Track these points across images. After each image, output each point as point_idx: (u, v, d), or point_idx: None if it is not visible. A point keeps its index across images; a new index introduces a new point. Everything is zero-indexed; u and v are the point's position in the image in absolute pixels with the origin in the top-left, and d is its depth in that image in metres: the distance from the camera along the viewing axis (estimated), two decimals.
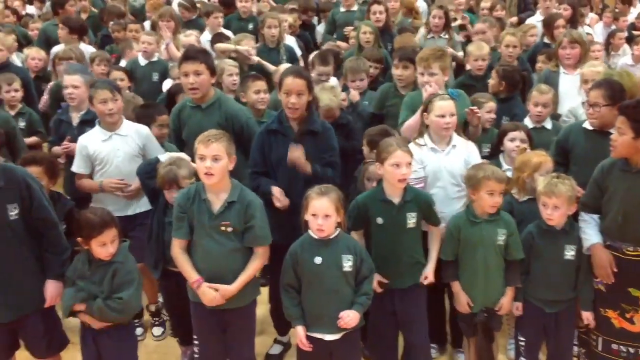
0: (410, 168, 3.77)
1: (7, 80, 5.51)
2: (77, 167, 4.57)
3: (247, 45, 6.41)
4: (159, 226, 4.04)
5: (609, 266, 3.77)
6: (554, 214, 3.76)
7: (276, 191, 4.00)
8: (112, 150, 4.49)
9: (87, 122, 4.86)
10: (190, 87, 4.40)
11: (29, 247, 3.58)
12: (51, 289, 3.63)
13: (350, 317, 3.53)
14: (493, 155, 4.71)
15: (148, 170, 4.12)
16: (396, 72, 5.21)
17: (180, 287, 3.77)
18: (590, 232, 3.83)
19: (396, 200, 3.81)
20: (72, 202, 4.41)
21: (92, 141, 4.53)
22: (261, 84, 5.08)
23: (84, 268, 3.57)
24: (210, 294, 3.55)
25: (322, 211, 3.48)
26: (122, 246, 3.60)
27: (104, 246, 3.50)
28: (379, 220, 3.81)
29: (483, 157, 4.48)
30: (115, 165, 4.50)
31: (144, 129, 4.62)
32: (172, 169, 3.98)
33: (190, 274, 3.59)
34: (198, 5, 8.24)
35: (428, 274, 3.89)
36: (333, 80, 5.61)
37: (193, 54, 4.53)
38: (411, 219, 3.81)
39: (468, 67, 5.94)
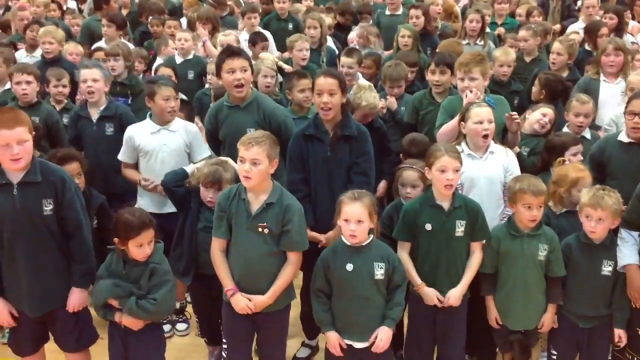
0: (457, 174, 3.73)
1: (56, 76, 5.54)
2: (122, 155, 4.67)
3: (302, 46, 6.34)
4: (192, 231, 4.05)
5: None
6: (597, 226, 3.68)
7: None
8: (159, 144, 4.57)
9: (107, 118, 4.93)
10: (237, 84, 4.40)
11: (60, 244, 3.60)
12: (74, 296, 3.64)
13: (383, 341, 3.52)
14: (543, 168, 4.52)
15: (175, 180, 4.16)
16: (432, 77, 5.16)
17: (212, 290, 3.78)
18: (626, 252, 3.74)
19: (446, 205, 3.76)
20: (103, 197, 4.48)
21: (140, 133, 4.61)
22: (306, 83, 5.08)
23: (118, 267, 3.59)
24: (243, 302, 3.55)
25: (355, 216, 3.46)
26: (157, 247, 3.62)
27: (141, 247, 3.52)
28: (428, 227, 3.76)
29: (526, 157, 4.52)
30: (161, 159, 4.56)
31: (192, 126, 4.71)
32: (219, 169, 4.01)
33: (226, 281, 3.60)
34: (230, 2, 8.27)
35: (451, 295, 3.75)
36: (364, 81, 5.60)
37: (237, 50, 4.57)
38: (460, 227, 3.75)
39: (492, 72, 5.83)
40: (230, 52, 4.53)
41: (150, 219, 3.60)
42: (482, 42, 6.74)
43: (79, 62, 6.75)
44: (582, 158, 4.40)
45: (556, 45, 6.21)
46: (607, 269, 3.76)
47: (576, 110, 4.87)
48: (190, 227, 4.07)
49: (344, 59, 5.67)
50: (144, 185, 4.57)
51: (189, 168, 4.24)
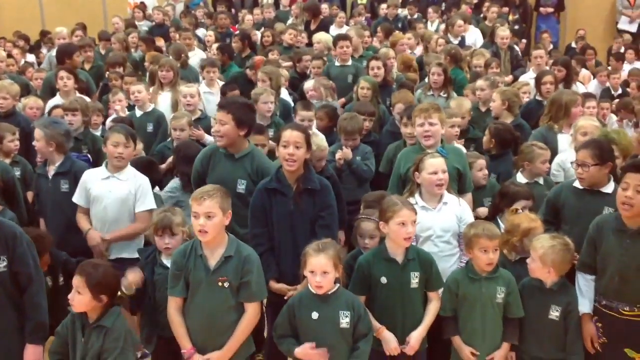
0: (415, 226, 3.79)
1: (11, 130, 5.52)
2: (76, 197, 4.73)
3: (267, 99, 6.18)
4: (151, 287, 4.01)
5: (590, 339, 3.83)
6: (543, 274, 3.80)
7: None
8: (106, 191, 4.62)
9: (61, 174, 4.92)
10: (214, 134, 4.52)
11: (15, 302, 3.54)
12: (28, 353, 3.58)
13: None
14: (493, 216, 4.65)
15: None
16: (405, 130, 5.34)
17: (176, 353, 3.72)
18: (582, 301, 3.86)
19: (400, 258, 3.81)
20: (64, 253, 4.51)
21: (92, 177, 4.70)
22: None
23: (79, 336, 3.51)
24: None
25: (320, 268, 3.49)
26: (111, 311, 3.53)
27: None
28: (383, 280, 3.79)
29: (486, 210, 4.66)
30: (104, 206, 4.62)
31: (142, 177, 4.75)
32: (167, 214, 4.03)
33: (183, 342, 3.58)
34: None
35: (412, 337, 3.79)
36: (318, 134, 5.66)
37: (223, 103, 4.71)
38: (414, 279, 3.80)
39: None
40: (218, 105, 4.73)
41: (87, 272, 3.48)
42: (445, 94, 6.89)
43: (38, 117, 6.74)
44: (522, 209, 4.45)
45: (479, 83, 6.58)
46: (554, 313, 3.83)
47: (544, 158, 5.00)
48: (147, 279, 4.04)
49: (302, 113, 5.74)
50: (88, 241, 4.61)
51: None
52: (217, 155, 4.59)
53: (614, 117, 7.28)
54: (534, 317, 3.86)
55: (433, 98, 6.77)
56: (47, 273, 4.23)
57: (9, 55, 9.03)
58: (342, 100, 7.31)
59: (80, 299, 3.47)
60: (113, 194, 4.63)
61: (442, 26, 10.93)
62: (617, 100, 7.85)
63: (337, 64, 7.89)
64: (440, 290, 3.92)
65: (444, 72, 6.90)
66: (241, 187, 4.41)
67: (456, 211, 4.21)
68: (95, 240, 4.62)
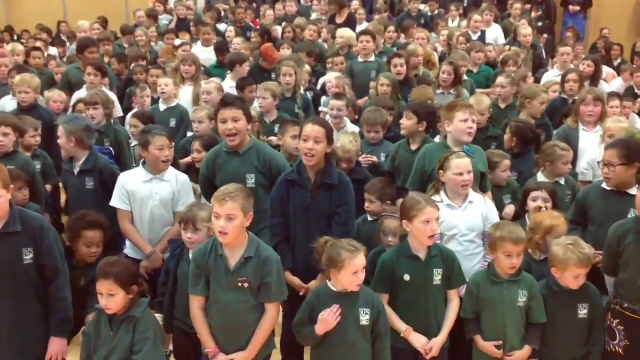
0: (438, 223, 3.77)
1: (34, 125, 5.57)
2: (115, 200, 4.62)
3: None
4: (172, 280, 4.04)
5: None
6: (577, 281, 3.76)
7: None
8: (150, 192, 4.57)
9: (86, 172, 4.89)
10: (228, 133, 4.44)
11: (40, 294, 3.57)
12: (52, 346, 3.61)
13: None
14: (520, 215, 4.66)
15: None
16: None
17: (196, 344, 3.74)
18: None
19: (422, 255, 3.79)
20: None
21: (132, 180, 4.62)
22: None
23: (106, 328, 3.49)
24: None
25: (362, 266, 3.49)
26: (140, 301, 3.53)
27: (101, 296, 3.45)
28: (406, 277, 3.77)
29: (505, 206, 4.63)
30: (151, 207, 4.56)
31: (183, 176, 4.72)
32: (193, 209, 4.03)
33: (207, 341, 3.57)
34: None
35: (434, 345, 3.76)
36: (352, 127, 5.69)
37: (230, 100, 4.60)
38: (437, 275, 3.78)
39: None
40: (224, 102, 4.60)
41: (112, 272, 3.45)
42: (455, 92, 6.83)
43: (61, 110, 6.80)
44: (543, 204, 4.41)
45: (499, 80, 6.62)
46: (582, 311, 3.81)
47: (566, 159, 4.93)
48: (167, 273, 4.08)
49: (333, 102, 5.76)
50: (152, 263, 4.54)
51: None
52: (221, 155, 4.57)
53: (637, 117, 7.18)
54: (565, 320, 3.82)
55: (443, 96, 6.73)
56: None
57: (35, 48, 9.06)
58: (366, 98, 7.29)
59: (116, 301, 3.42)
60: (159, 195, 4.57)
61: (464, 22, 10.84)
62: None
63: (360, 59, 7.86)
64: (461, 288, 3.90)
65: (454, 71, 6.85)
66: (250, 181, 4.38)
67: (482, 210, 4.18)
68: (160, 262, 4.48)
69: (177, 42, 9.05)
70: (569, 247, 3.71)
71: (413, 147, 5.09)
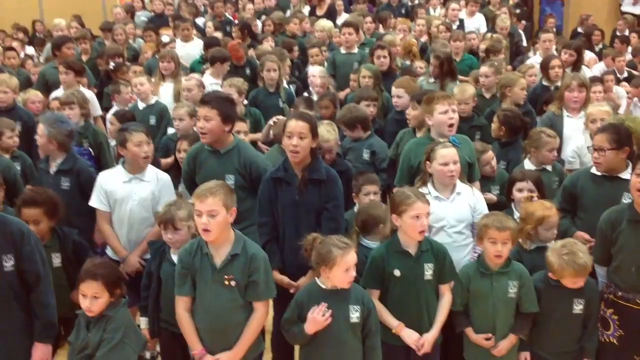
0: (428, 218, 3.72)
1: (10, 126, 5.46)
2: (94, 201, 4.53)
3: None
4: (156, 281, 3.97)
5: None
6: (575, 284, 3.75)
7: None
8: (130, 192, 4.47)
9: (63, 172, 4.81)
10: (200, 132, 4.38)
11: (22, 301, 3.49)
12: (37, 352, 3.53)
13: None
14: (506, 205, 4.63)
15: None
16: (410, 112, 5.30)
17: (183, 347, 3.67)
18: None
19: (413, 250, 3.74)
20: (75, 230, 4.40)
21: (111, 180, 4.52)
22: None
23: (84, 333, 3.43)
24: None
25: (354, 263, 3.45)
26: (116, 302, 3.46)
27: (84, 298, 3.39)
28: (397, 273, 3.72)
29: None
30: (130, 208, 4.47)
31: (164, 175, 4.63)
32: (171, 208, 3.96)
33: (193, 343, 3.50)
34: None
35: (426, 340, 3.70)
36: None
37: (207, 98, 4.50)
38: (428, 270, 3.73)
39: None
40: (201, 99, 4.54)
41: (100, 274, 3.40)
42: (438, 82, 6.76)
43: (40, 110, 6.69)
44: (528, 194, 4.34)
45: (483, 69, 6.59)
46: (578, 307, 3.77)
47: (551, 146, 4.90)
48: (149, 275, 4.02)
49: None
50: (127, 267, 4.42)
51: None
52: (202, 153, 4.50)
53: (621, 90, 7.28)
54: (560, 315, 3.79)
55: (435, 85, 6.68)
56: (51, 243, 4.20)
57: (10, 48, 8.91)
58: (347, 90, 7.25)
59: (99, 304, 3.37)
60: (138, 195, 4.46)
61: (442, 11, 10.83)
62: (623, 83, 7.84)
63: (342, 51, 7.81)
64: (453, 283, 3.85)
65: (440, 65, 6.79)
66: (230, 182, 4.27)
67: (470, 201, 4.14)
68: (135, 266, 4.44)
69: (164, 39, 8.91)
70: (563, 258, 3.67)
71: (419, 135, 5.06)
